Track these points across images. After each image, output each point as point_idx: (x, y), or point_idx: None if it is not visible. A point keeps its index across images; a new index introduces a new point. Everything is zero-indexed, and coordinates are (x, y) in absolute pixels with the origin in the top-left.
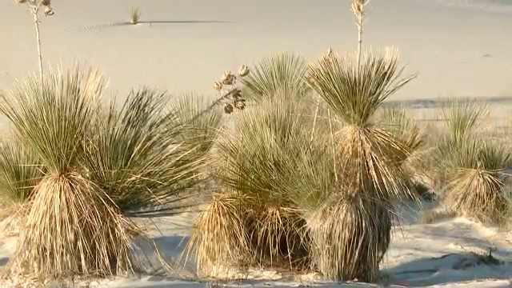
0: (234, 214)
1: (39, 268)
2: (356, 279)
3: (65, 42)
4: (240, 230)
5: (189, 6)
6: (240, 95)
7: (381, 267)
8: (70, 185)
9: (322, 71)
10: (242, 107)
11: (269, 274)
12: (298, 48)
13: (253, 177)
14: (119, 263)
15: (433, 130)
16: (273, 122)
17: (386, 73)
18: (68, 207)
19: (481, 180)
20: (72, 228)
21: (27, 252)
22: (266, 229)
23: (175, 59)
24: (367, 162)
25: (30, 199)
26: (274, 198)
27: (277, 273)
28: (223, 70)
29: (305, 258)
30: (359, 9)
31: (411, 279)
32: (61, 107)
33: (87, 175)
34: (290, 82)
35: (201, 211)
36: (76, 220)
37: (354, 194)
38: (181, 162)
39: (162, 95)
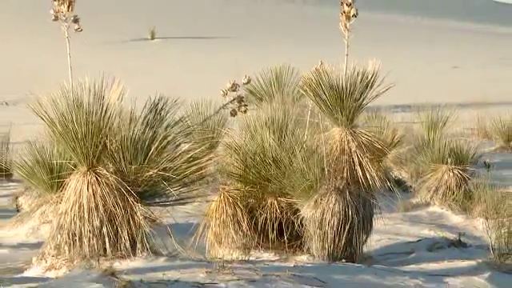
0: (238, 203)
1: (69, 250)
2: (343, 260)
3: (91, 55)
4: (243, 217)
5: (198, 24)
6: (243, 101)
7: (365, 249)
8: (96, 178)
9: (313, 80)
10: (245, 111)
11: (268, 256)
12: (292, 60)
13: (254, 171)
14: (139, 246)
15: (409, 131)
16: (271, 124)
17: (369, 82)
18: (94, 197)
19: (451, 174)
20: (98, 215)
21: (59, 236)
22: (266, 216)
23: (186, 70)
24: (353, 159)
25: (61, 191)
26: (272, 189)
27: (275, 254)
28: (228, 79)
29: (299, 241)
30: (346, 27)
31: (391, 260)
32: (88, 111)
33: (111, 170)
34: (286, 90)
35: (209, 201)
36: (101, 208)
37: (341, 187)
38: (192, 158)
39: (175, 101)
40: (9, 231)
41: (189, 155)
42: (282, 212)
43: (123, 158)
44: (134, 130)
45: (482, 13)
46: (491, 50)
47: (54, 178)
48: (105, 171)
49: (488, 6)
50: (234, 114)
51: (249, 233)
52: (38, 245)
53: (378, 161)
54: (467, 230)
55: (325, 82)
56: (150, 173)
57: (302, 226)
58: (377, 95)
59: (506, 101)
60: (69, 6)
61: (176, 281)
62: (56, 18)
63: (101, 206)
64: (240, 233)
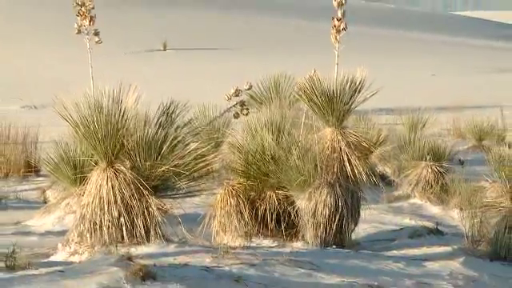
0: (240, 196)
1: (91, 238)
2: (334, 246)
3: (109, 64)
4: (245, 208)
5: (204, 36)
6: (245, 105)
7: (353, 237)
8: (115, 174)
9: (307, 86)
10: (247, 114)
11: (267, 242)
12: (289, 68)
13: (254, 168)
14: (152, 234)
15: (392, 132)
16: (270, 126)
17: (356, 88)
18: (113, 191)
19: (429, 170)
20: (116, 207)
21: (82, 225)
22: (265, 207)
23: (194, 77)
24: (342, 156)
25: (84, 185)
26: (271, 184)
27: (273, 241)
28: (231, 86)
29: (294, 230)
30: (336, 39)
31: (376, 246)
32: (107, 114)
33: (128, 166)
34: (283, 95)
35: (214, 194)
36: (119, 201)
37: (332, 181)
38: (199, 156)
39: (184, 105)
40: (37, 221)
41: (197, 153)
42: (279, 203)
43: (138, 155)
44: (148, 131)
45: (457, 27)
46: (465, 60)
47: (77, 174)
48: (122, 167)
49: (463, 21)
50: (236, 116)
51: (250, 222)
52: (63, 233)
53: (364, 158)
54: (444, 219)
55: (317, 87)
56: (163, 169)
57: (298, 215)
58: (364, 99)
59: (478, 105)
60: (90, 21)
61: (185, 264)
62: (79, 32)
63: (119, 199)
64: (242, 222)
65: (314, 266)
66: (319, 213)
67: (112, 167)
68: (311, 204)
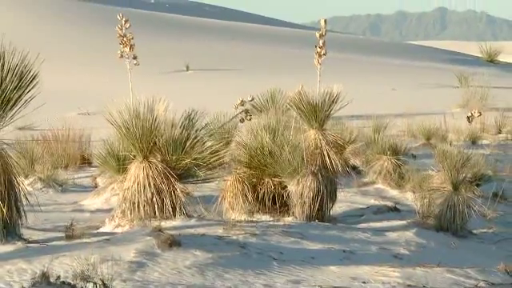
0: (245, 182)
1: (130, 214)
2: (317, 220)
3: (144, 81)
4: (248, 191)
5: (217, 60)
6: (248, 112)
7: (331, 213)
8: (149, 165)
9: (296, 98)
10: (250, 119)
11: (265, 218)
12: (282, 85)
13: (256, 160)
14: (177, 211)
15: (361, 133)
16: (268, 128)
17: (334, 99)
18: (147, 178)
19: (389, 162)
20: (150, 190)
21: (124, 204)
22: (264, 191)
23: (210, 91)
24: (323, 152)
25: (125, 173)
26: (268, 172)
27: (270, 217)
28: (238, 98)
29: (286, 208)
30: (318, 62)
31: (349, 220)
32: (143, 120)
33: (159, 159)
34: (278, 105)
35: (225, 180)
36: (152, 185)
37: (315, 171)
38: (214, 151)
39: (202, 112)
40: (89, 201)
41: (211, 149)
42: (275, 188)
43: (167, 151)
44: (174, 132)
45: (410, 53)
46: (416, 78)
47: (120, 165)
48: (154, 160)
49: (414, 49)
50: (242, 121)
51: (252, 202)
52: (109, 210)
53: (340, 153)
54: (401, 200)
55: (304, 99)
56: (185, 161)
57: (289, 197)
58: (339, 108)
59: (426, 112)
60: (130, 48)
61: (203, 234)
62: (121, 56)
63: (152, 184)
64: (246, 202)
65: (301, 235)
66: (305, 195)
67: (147, 160)
68: (299, 188)
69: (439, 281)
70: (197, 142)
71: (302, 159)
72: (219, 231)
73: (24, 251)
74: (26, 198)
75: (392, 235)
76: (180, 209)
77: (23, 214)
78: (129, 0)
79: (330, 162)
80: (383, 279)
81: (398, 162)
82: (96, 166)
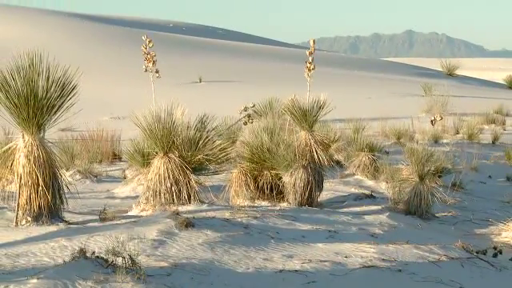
0: (248, 174)
1: (153, 201)
2: (306, 206)
3: (164, 91)
4: (250, 182)
5: (226, 73)
6: (250, 116)
7: (319, 200)
8: (168, 160)
9: (290, 105)
10: (252, 122)
11: (264, 204)
12: (278, 93)
13: (257, 156)
14: (192, 198)
15: (343, 133)
16: (266, 129)
17: (321, 106)
18: (167, 171)
19: (366, 157)
20: (169, 181)
21: (147, 192)
22: (263, 181)
23: (219, 100)
24: (312, 149)
25: (149, 167)
26: (267, 166)
27: (268, 203)
28: (242, 105)
29: (282, 195)
30: (308, 75)
31: (333, 205)
32: (164, 122)
33: (176, 155)
34: (275, 110)
35: (231, 172)
36: (171, 177)
37: (305, 164)
38: (222, 149)
39: (212, 117)
40: (119, 190)
41: (220, 147)
42: (272, 179)
43: (183, 148)
44: (189, 133)
45: (384, 68)
46: (388, 88)
47: (145, 160)
48: (173, 156)
49: (387, 64)
50: (245, 124)
51: (254, 190)
52: (136, 197)
53: (326, 150)
54: (376, 189)
55: (296, 105)
56: (198, 157)
57: (284, 186)
58: (325, 113)
59: (397, 116)
60: (153, 63)
61: (213, 217)
62: (146, 70)
63: (171, 176)
64: (249, 190)
65: (294, 218)
66: (297, 184)
67: (166, 156)
68: (292, 179)
69: (408, 255)
70: (208, 141)
71: (295, 155)
72: (226, 214)
73: (65, 231)
74: (67, 187)
75: (369, 218)
76: (194, 196)
77: (65, 200)
78: (152, 24)
79: (318, 158)
80: (362, 254)
81: (374, 158)
82: (125, 161)
